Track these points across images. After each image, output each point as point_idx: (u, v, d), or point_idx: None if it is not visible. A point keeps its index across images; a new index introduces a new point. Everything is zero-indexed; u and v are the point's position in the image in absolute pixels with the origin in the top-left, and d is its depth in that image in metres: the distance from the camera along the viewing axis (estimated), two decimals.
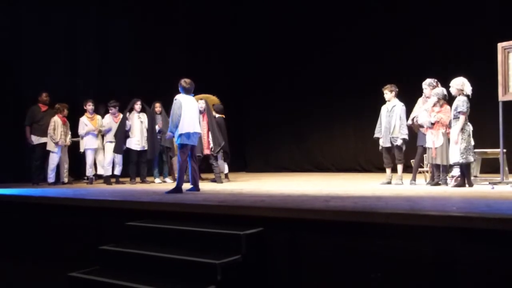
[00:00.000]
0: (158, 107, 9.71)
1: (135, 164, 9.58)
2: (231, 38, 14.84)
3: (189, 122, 6.84)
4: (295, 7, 13.54)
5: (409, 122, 8.00)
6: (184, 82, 6.98)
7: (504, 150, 7.34)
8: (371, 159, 12.26)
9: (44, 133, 9.25)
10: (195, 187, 7.03)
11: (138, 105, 9.51)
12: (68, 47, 11.34)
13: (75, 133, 9.78)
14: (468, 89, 7.00)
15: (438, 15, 11.18)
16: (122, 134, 9.31)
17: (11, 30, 10.28)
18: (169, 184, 8.67)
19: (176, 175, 7.00)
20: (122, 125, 9.32)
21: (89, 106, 9.65)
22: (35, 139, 9.28)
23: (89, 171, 9.64)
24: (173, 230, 4.95)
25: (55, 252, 6.08)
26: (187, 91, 6.97)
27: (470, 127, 6.97)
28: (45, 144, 9.27)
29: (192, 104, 7.01)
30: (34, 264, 6.00)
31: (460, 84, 7.02)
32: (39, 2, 10.72)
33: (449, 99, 7.27)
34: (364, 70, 12.15)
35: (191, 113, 6.90)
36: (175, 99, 6.85)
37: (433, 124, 7.31)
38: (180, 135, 6.77)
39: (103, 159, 9.65)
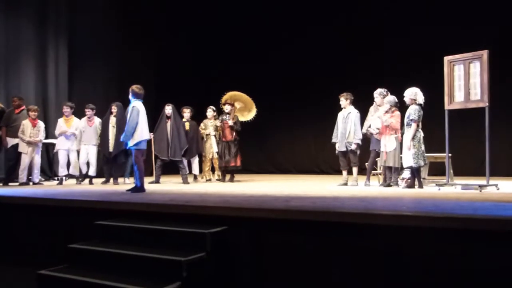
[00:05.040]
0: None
1: (107, 165, 9.43)
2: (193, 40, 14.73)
3: (146, 129, 6.84)
4: (260, 13, 13.62)
5: (364, 130, 8.11)
6: (137, 88, 6.85)
7: (450, 155, 7.49)
8: (329, 162, 12.37)
9: (17, 135, 8.99)
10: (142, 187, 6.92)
11: (114, 109, 9.33)
12: (39, 53, 11.10)
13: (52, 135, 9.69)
14: (420, 98, 7.18)
15: (392, 31, 11.44)
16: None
17: None
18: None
19: (135, 176, 6.95)
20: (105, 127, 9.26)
21: (65, 109, 9.47)
22: (9, 140, 9.02)
23: (61, 171, 9.44)
24: (141, 229, 4.84)
25: (24, 251, 5.85)
26: (139, 97, 6.85)
27: (421, 134, 7.14)
28: (18, 145, 9.01)
29: (144, 110, 6.89)
30: (2, 263, 5.76)
31: (413, 94, 7.18)
32: (7, 9, 10.47)
33: (403, 108, 7.40)
34: (323, 78, 12.30)
35: (145, 120, 6.85)
36: (133, 107, 6.72)
37: (386, 127, 7.43)
38: (141, 141, 6.72)
39: (74, 160, 9.43)
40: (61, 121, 9.45)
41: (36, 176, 9.27)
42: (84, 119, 9.47)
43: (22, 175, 9.01)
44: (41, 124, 9.26)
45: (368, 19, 11.84)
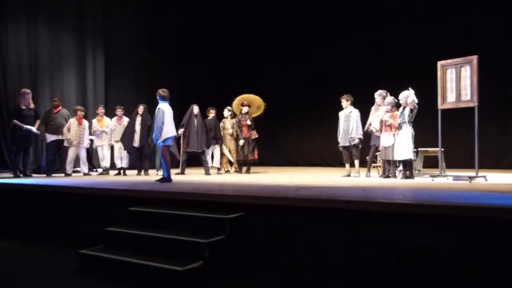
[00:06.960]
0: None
1: (138, 159, 9.46)
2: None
3: (172, 127, 6.84)
4: (268, 15, 13.55)
5: (365, 128, 8.05)
6: (163, 91, 6.88)
7: (442, 149, 7.40)
8: (333, 156, 12.28)
9: (55, 132, 9.04)
10: (169, 178, 6.93)
11: (140, 109, 9.37)
12: (79, 62, 11.26)
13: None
14: (413, 98, 7.07)
15: (391, 39, 11.32)
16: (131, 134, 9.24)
17: (31, 50, 10.25)
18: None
19: (163, 168, 6.99)
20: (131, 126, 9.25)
21: (100, 110, 9.64)
22: (48, 137, 9.06)
23: (102, 164, 9.68)
24: (168, 214, 4.87)
25: (65, 233, 5.91)
26: (165, 99, 6.87)
27: (412, 131, 7.05)
28: (56, 140, 9.09)
29: (170, 110, 6.89)
30: (47, 244, 5.82)
31: (406, 96, 7.08)
32: (51, 23, 10.62)
33: (399, 107, 7.32)
34: (327, 83, 12.20)
35: (171, 119, 6.85)
36: (159, 108, 6.74)
37: (386, 125, 7.35)
38: (167, 138, 6.74)
39: (108, 155, 9.59)
40: (94, 121, 9.61)
41: (85, 168, 9.34)
42: (115, 118, 9.54)
43: (68, 167, 9.11)
44: (86, 123, 9.33)
45: (371, 27, 11.71)
